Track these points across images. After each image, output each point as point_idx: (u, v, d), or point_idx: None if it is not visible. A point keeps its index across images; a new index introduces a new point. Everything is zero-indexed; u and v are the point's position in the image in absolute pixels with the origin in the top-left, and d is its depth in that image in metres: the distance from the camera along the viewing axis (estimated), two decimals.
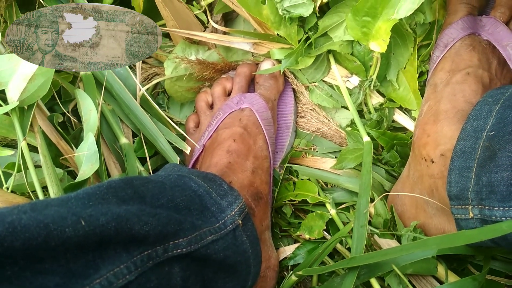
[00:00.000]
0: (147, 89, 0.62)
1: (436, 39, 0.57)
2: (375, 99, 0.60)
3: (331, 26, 0.57)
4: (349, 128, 0.61)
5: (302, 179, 0.60)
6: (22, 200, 0.47)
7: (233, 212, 0.45)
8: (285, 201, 0.59)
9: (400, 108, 0.60)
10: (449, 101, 0.50)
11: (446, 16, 0.57)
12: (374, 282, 0.47)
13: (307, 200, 0.57)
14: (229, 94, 0.62)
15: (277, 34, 0.58)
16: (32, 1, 0.59)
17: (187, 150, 0.58)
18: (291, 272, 0.53)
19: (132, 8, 0.59)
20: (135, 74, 0.60)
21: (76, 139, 0.56)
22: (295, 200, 0.58)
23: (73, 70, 0.47)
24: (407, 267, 0.47)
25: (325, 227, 0.56)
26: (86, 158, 0.48)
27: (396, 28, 0.55)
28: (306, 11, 0.53)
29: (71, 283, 0.30)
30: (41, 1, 0.57)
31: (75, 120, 0.59)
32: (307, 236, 0.56)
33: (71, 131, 0.58)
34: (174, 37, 0.63)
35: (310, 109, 0.63)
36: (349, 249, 0.55)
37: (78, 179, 0.47)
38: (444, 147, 0.48)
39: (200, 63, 0.61)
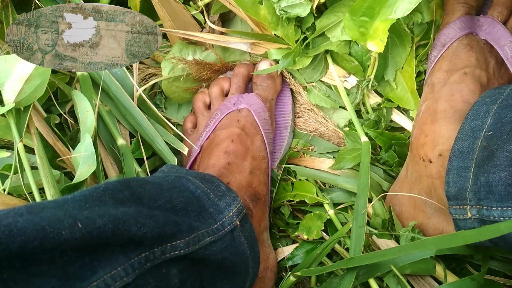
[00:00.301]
0: (144, 89, 0.61)
1: (433, 39, 0.57)
2: (373, 99, 0.60)
3: (329, 26, 0.57)
4: (347, 128, 0.61)
5: (300, 180, 0.60)
6: (19, 202, 0.47)
7: (231, 213, 0.45)
8: (283, 202, 0.59)
9: (398, 108, 0.60)
10: (447, 101, 0.50)
11: (443, 15, 0.57)
12: (372, 282, 0.47)
13: (305, 200, 0.57)
14: (226, 95, 0.62)
15: (275, 34, 0.58)
16: (28, 2, 0.59)
17: (185, 151, 0.58)
18: (290, 272, 0.53)
19: (129, 8, 0.59)
20: (132, 75, 0.60)
21: (73, 140, 0.56)
22: (293, 201, 0.58)
23: (73, 70, 0.47)
24: (406, 268, 0.47)
25: (323, 228, 0.56)
26: (83, 159, 0.48)
27: (394, 28, 0.55)
28: (304, 11, 0.53)
29: (68, 286, 0.30)
30: (37, 2, 0.57)
31: (72, 121, 0.58)
32: (305, 237, 0.56)
33: (68, 132, 0.58)
34: (171, 38, 0.63)
35: (308, 109, 0.63)
36: (347, 249, 0.55)
37: (75, 180, 0.47)
38: (442, 147, 0.48)
39: (198, 63, 0.61)
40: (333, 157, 0.61)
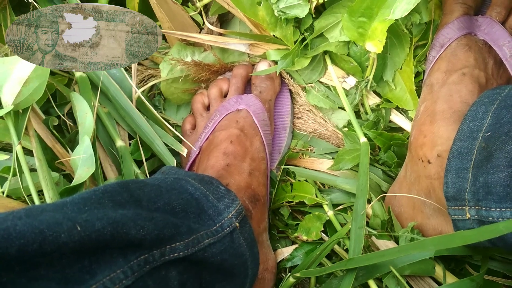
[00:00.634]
0: (143, 91, 0.61)
1: (432, 39, 0.57)
2: (372, 100, 0.60)
3: (327, 27, 0.57)
4: (346, 129, 0.61)
5: (299, 181, 0.60)
6: (18, 205, 0.46)
7: (230, 215, 0.45)
8: (283, 203, 0.59)
9: (397, 108, 0.60)
10: (445, 101, 0.50)
11: (442, 16, 0.57)
12: (372, 283, 0.47)
13: (305, 201, 0.57)
14: (225, 96, 0.62)
15: (273, 35, 0.58)
16: (26, 4, 0.59)
17: (184, 152, 0.58)
18: (289, 274, 0.53)
19: None
20: (131, 76, 0.60)
21: (71, 142, 0.55)
22: (292, 202, 0.58)
23: (73, 70, 0.47)
24: (405, 268, 0.47)
25: (322, 229, 0.56)
26: (82, 161, 0.48)
27: (392, 28, 0.55)
28: (302, 12, 0.53)
29: None
30: (35, 4, 0.57)
31: (71, 123, 0.58)
32: (304, 238, 0.56)
33: (67, 134, 0.58)
34: (170, 39, 0.63)
35: (307, 110, 0.63)
36: (347, 250, 0.55)
37: (74, 182, 0.47)
38: (440, 148, 0.48)
39: (196, 64, 0.61)
40: (332, 158, 0.61)
